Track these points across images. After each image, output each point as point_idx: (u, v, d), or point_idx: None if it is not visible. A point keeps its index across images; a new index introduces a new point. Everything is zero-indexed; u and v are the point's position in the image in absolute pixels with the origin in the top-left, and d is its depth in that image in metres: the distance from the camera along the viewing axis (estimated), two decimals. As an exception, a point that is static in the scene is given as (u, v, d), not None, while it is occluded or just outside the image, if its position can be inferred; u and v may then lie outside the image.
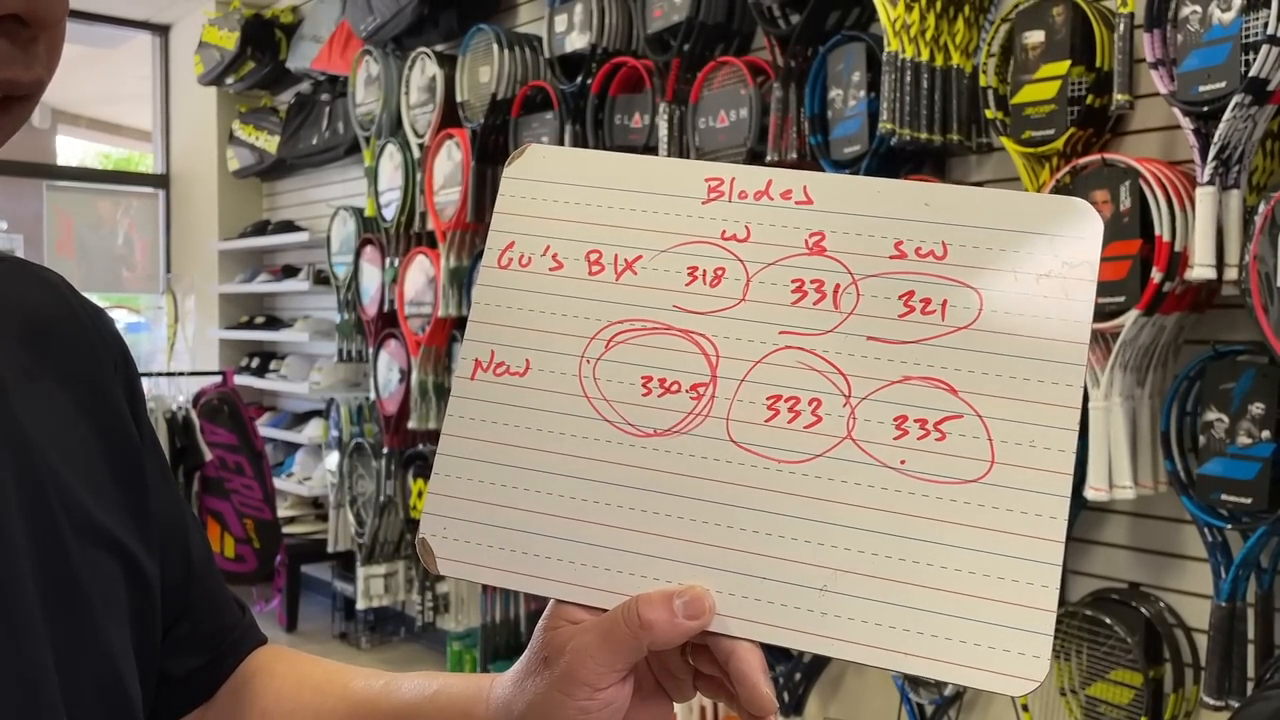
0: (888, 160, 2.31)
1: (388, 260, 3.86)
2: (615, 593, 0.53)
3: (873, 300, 0.54)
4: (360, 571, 4.03)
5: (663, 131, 2.78)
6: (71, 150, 7.77)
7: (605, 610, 0.53)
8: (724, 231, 0.58)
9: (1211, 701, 1.82)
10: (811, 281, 0.56)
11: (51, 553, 0.53)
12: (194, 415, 3.86)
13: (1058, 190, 1.97)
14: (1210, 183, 1.76)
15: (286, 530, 4.49)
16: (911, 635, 0.50)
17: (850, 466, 0.52)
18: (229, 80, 5.02)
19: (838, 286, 0.55)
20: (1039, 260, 0.53)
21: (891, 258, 0.55)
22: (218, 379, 4.17)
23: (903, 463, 0.52)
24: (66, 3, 0.50)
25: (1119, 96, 1.94)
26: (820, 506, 0.52)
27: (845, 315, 0.55)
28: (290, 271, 4.89)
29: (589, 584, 0.54)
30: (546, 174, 0.61)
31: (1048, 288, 0.53)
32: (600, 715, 0.52)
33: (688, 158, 2.66)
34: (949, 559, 0.50)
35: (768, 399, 0.54)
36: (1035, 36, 2.05)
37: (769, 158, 2.48)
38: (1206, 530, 1.86)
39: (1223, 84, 1.74)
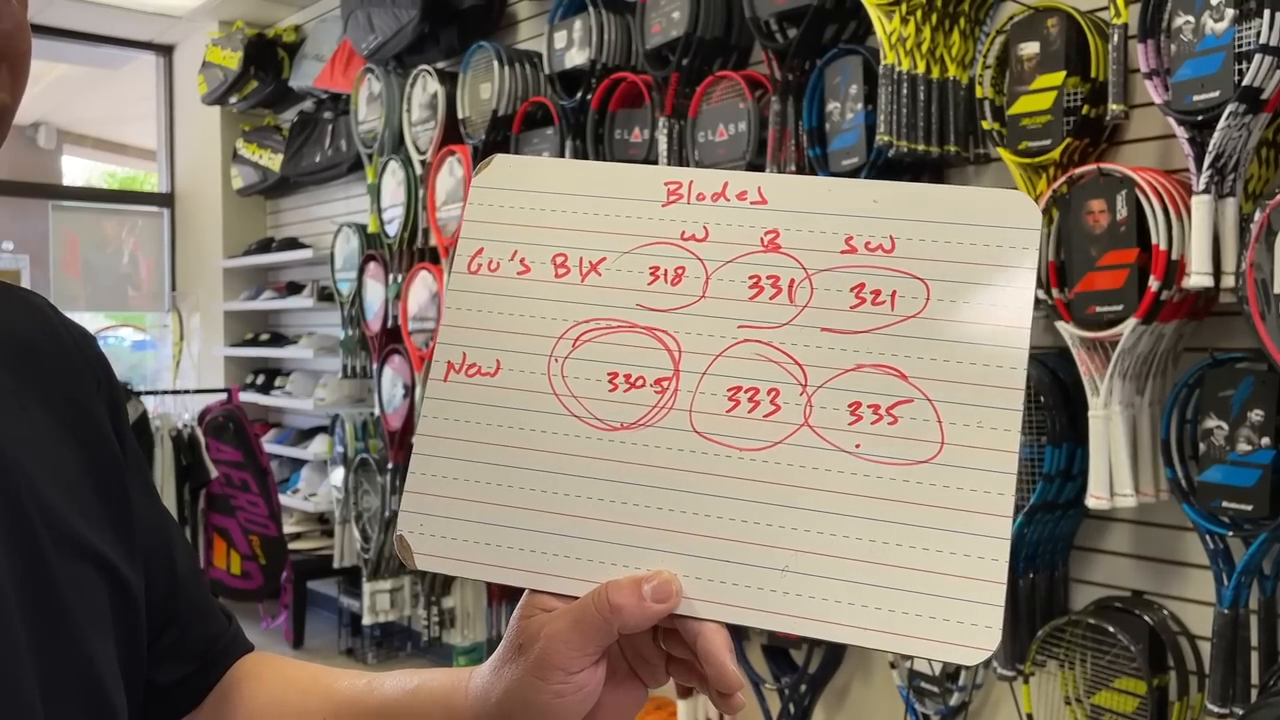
0: (886, 172, 2.32)
1: (391, 276, 3.88)
2: (586, 580, 0.55)
3: (826, 293, 0.57)
4: (366, 587, 4.04)
5: (662, 146, 2.79)
6: (77, 170, 7.82)
7: (577, 598, 0.55)
8: (683, 232, 0.60)
9: (1216, 709, 1.82)
10: (767, 277, 0.58)
11: (31, 566, 0.54)
12: (199, 433, 3.87)
13: (1055, 199, 1.98)
14: (1206, 191, 1.77)
15: (292, 546, 4.49)
16: (869, 610, 0.52)
17: (808, 452, 0.55)
18: (232, 99, 5.05)
19: (792, 281, 0.58)
20: (981, 251, 0.56)
21: (843, 252, 0.58)
22: (223, 396, 4.18)
23: (858, 446, 0.54)
24: (29, 35, 0.52)
25: (1114, 106, 1.95)
26: (780, 491, 0.54)
27: (800, 308, 0.57)
28: (294, 288, 4.91)
29: (561, 573, 0.56)
30: (513, 182, 0.64)
31: (991, 276, 0.55)
32: (574, 699, 0.54)
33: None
34: (903, 536, 0.53)
35: (728, 390, 0.57)
36: (1030, 48, 2.06)
37: (768, 170, 2.49)
38: (1208, 537, 1.87)
39: (1216, 93, 1.75)
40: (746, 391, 0.56)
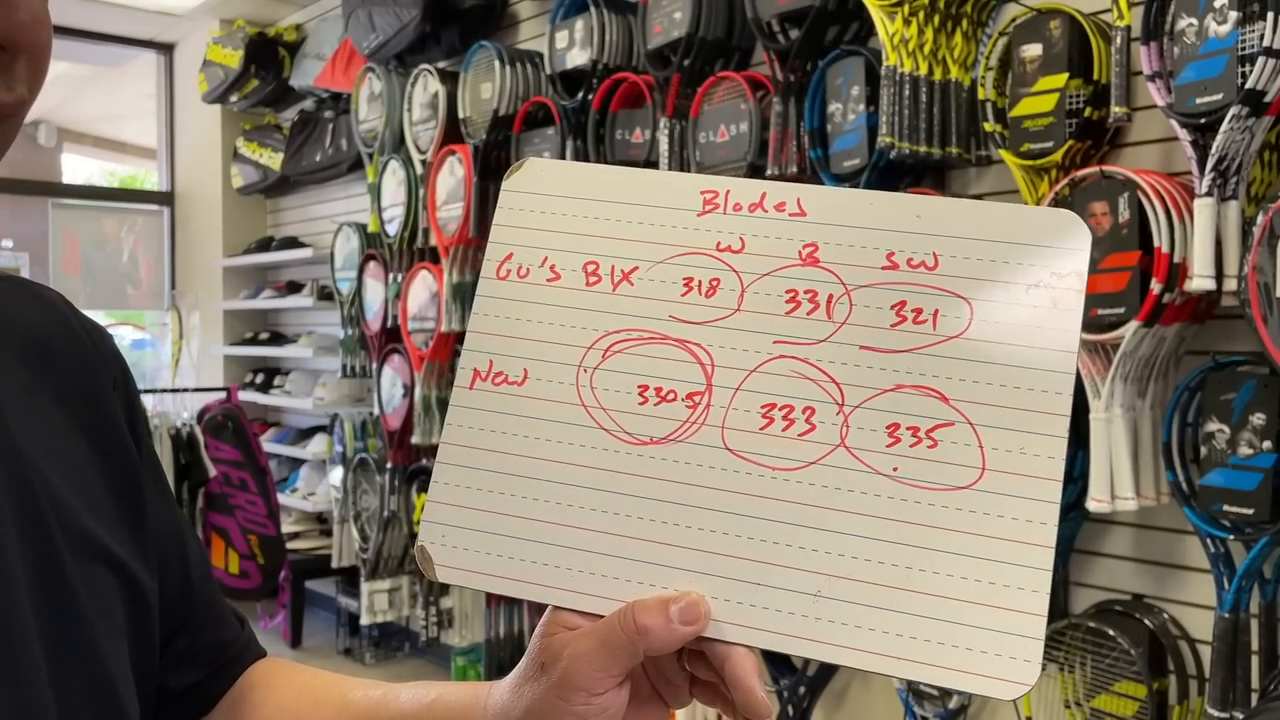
0: (887, 173, 2.31)
1: (391, 276, 3.87)
2: (612, 599, 0.54)
3: (865, 310, 0.55)
4: (364, 587, 4.03)
5: (663, 146, 2.79)
6: (77, 168, 7.80)
7: (602, 616, 0.53)
8: (719, 243, 0.58)
9: (1216, 713, 1.82)
10: (805, 292, 0.56)
11: (46, 568, 0.54)
12: (198, 432, 3.86)
13: (1057, 202, 1.98)
14: (1208, 194, 1.76)
15: (291, 546, 4.48)
16: (904, 640, 0.50)
17: (844, 474, 0.53)
18: (233, 98, 5.05)
19: (831, 297, 0.56)
20: (1028, 271, 0.54)
21: (883, 268, 0.56)
22: (222, 395, 4.17)
23: (895, 470, 0.52)
24: (48, 28, 0.51)
25: (1116, 109, 1.95)
26: (814, 513, 0.53)
27: (838, 325, 0.55)
28: (294, 287, 4.91)
29: (586, 590, 0.54)
30: (544, 187, 0.62)
31: (1037, 298, 0.54)
32: None
33: (688, 172, 2.67)
34: (941, 564, 0.51)
35: (762, 407, 0.55)
36: (1033, 50, 2.06)
37: (769, 172, 2.49)
38: (1209, 541, 1.86)
39: (1219, 96, 1.75)
40: (781, 409, 0.54)
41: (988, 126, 2.16)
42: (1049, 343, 0.53)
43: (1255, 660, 1.83)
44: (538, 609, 0.56)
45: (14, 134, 0.52)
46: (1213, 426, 1.84)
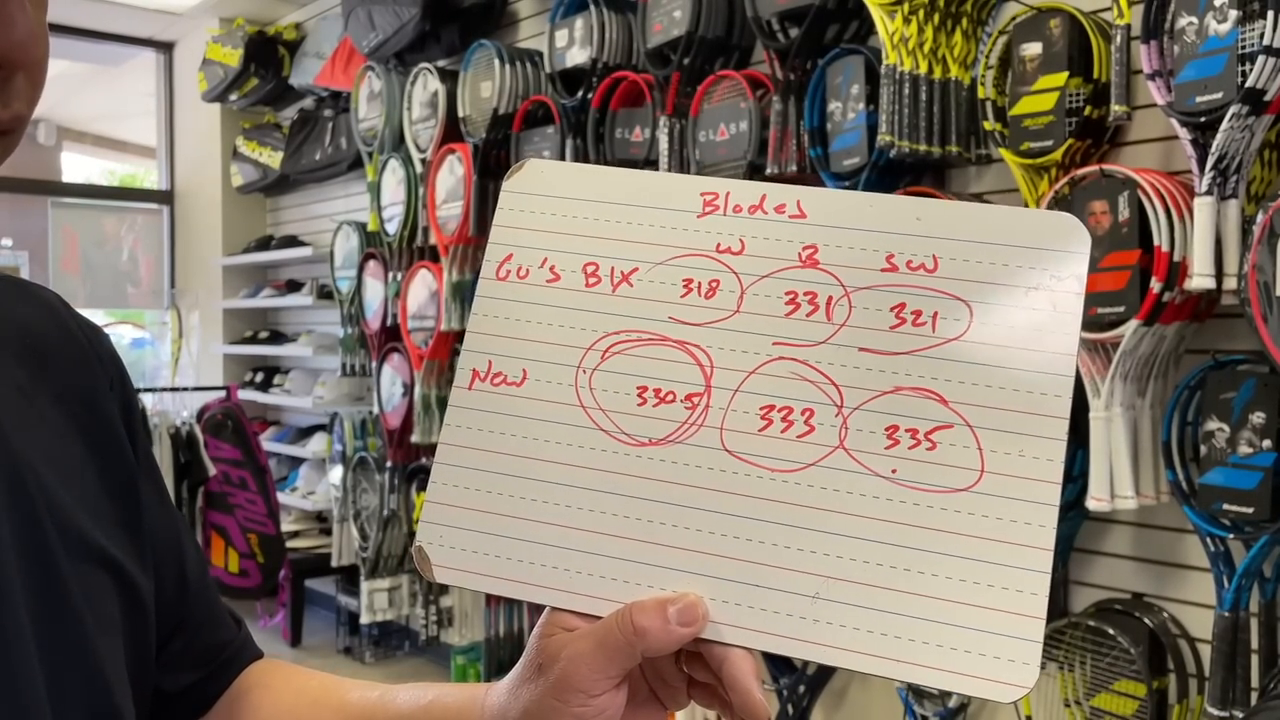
0: (887, 172, 2.31)
1: (391, 275, 3.87)
2: (610, 600, 0.54)
3: (864, 312, 0.55)
4: (364, 586, 4.03)
5: (663, 145, 2.79)
6: (76, 167, 7.80)
7: (600, 617, 0.53)
8: (719, 244, 0.58)
9: (1215, 712, 1.82)
10: (805, 294, 0.56)
11: (42, 568, 0.54)
12: (198, 431, 3.86)
13: (1056, 201, 1.98)
14: (1208, 193, 1.76)
15: (290, 545, 4.49)
16: (903, 642, 0.50)
17: (842, 475, 0.53)
18: (233, 97, 5.04)
19: (830, 299, 0.56)
20: (1028, 274, 0.54)
21: (883, 270, 0.56)
22: (222, 394, 4.17)
23: (894, 472, 0.52)
24: (45, 42, 0.51)
25: (1116, 107, 1.95)
26: (813, 515, 0.53)
27: (838, 327, 0.55)
28: (294, 286, 4.91)
29: (584, 591, 0.54)
30: (545, 188, 0.62)
31: (1036, 300, 0.54)
32: None
33: (688, 171, 2.67)
34: (939, 566, 0.51)
35: (761, 409, 0.55)
36: (1033, 48, 2.06)
37: (769, 170, 2.49)
38: (1208, 540, 1.86)
39: (1219, 94, 1.75)
40: (780, 411, 0.54)
41: (987, 125, 2.16)
42: (1048, 346, 0.53)
43: (1255, 659, 1.83)
44: (537, 609, 0.56)
45: (13, 148, 0.52)
46: (1212, 425, 1.84)
